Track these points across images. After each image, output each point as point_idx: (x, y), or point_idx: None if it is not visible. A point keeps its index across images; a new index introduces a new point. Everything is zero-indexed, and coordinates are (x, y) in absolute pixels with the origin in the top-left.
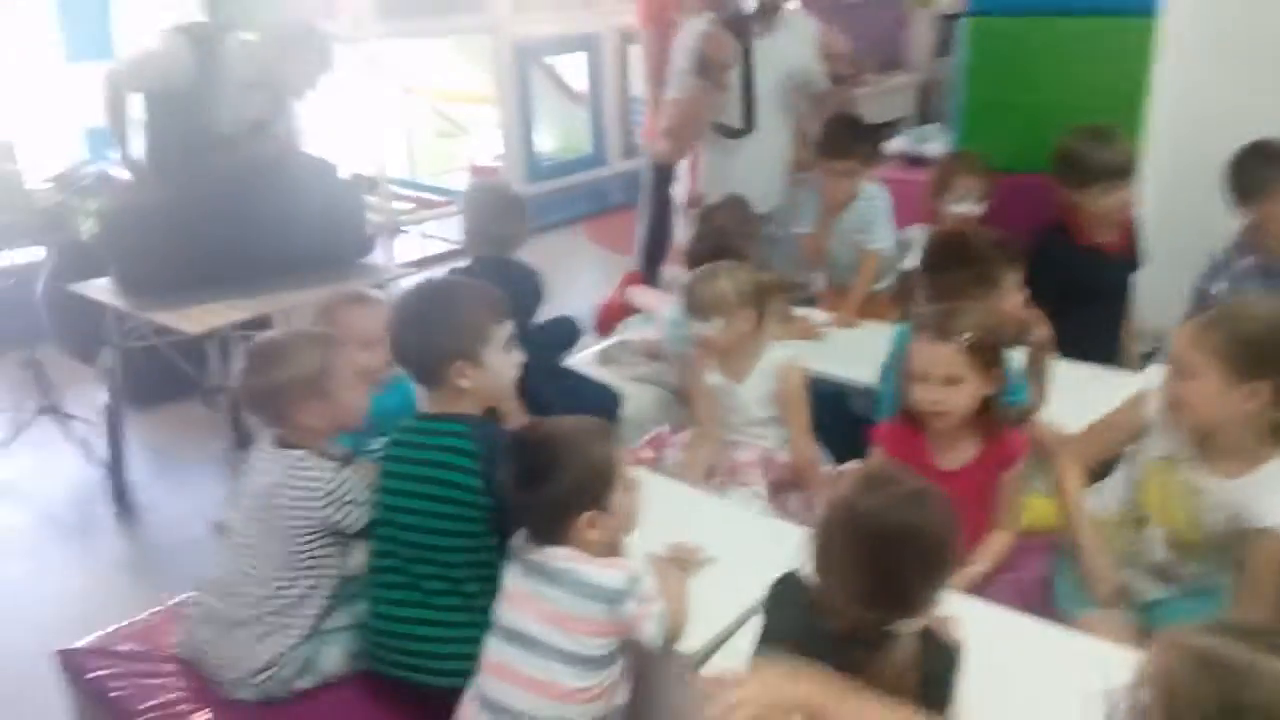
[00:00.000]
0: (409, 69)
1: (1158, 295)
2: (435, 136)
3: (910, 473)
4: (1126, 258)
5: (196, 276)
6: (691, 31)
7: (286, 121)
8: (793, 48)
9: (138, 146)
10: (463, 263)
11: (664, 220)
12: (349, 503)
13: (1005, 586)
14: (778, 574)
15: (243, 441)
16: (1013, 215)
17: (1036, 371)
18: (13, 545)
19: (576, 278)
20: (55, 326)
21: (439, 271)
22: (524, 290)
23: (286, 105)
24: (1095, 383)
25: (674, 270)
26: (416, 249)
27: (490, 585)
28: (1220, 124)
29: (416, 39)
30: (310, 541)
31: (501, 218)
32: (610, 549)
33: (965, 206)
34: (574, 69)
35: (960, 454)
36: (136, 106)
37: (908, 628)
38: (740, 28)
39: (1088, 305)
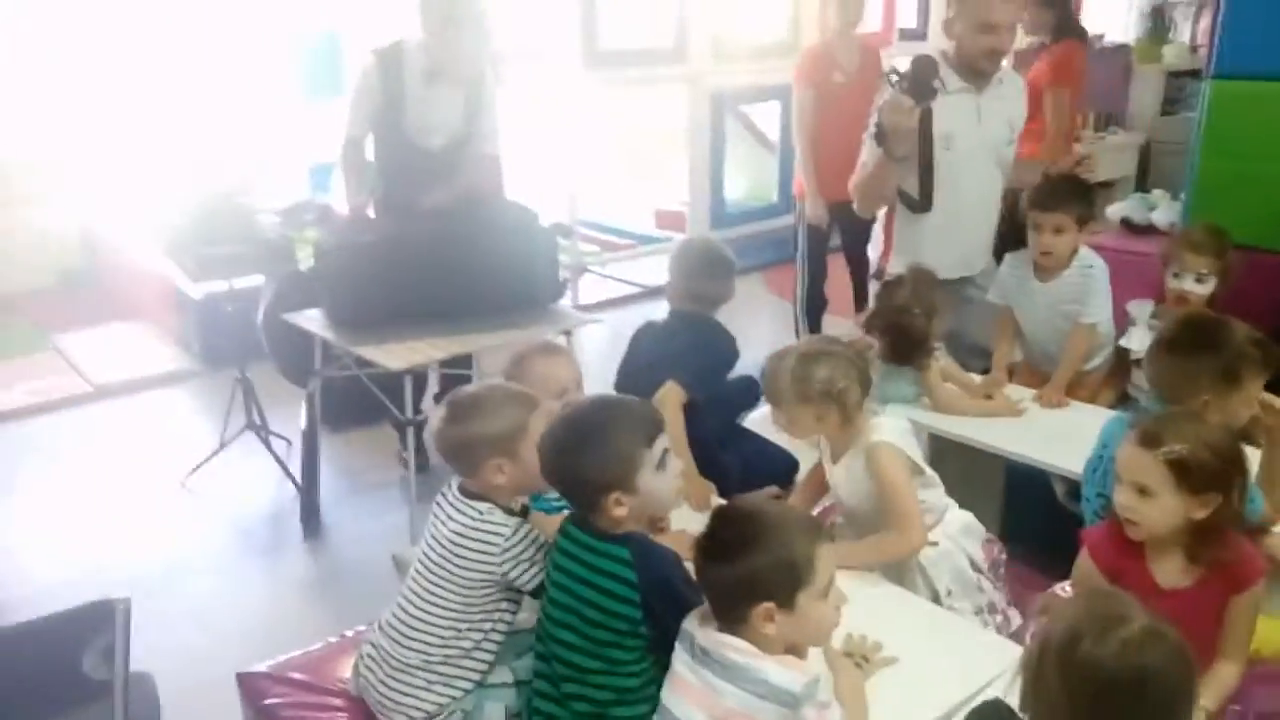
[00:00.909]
0: (602, 109)
1: None
2: (623, 178)
3: (1138, 607)
4: None
5: (401, 313)
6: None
7: (489, 138)
8: (1006, 105)
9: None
10: (659, 315)
11: (820, 274)
12: (525, 560)
13: None
14: (969, 682)
15: (422, 466)
16: (1245, 295)
17: (1272, 479)
18: (206, 559)
19: (753, 328)
20: (274, 351)
21: (622, 314)
22: (717, 352)
23: (483, 114)
24: None
25: (839, 324)
26: (601, 290)
27: (640, 710)
28: None
29: (620, 88)
30: (485, 595)
31: (707, 277)
32: (790, 649)
33: (1184, 284)
34: (768, 117)
35: (1185, 572)
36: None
37: None
38: (921, 96)
39: None
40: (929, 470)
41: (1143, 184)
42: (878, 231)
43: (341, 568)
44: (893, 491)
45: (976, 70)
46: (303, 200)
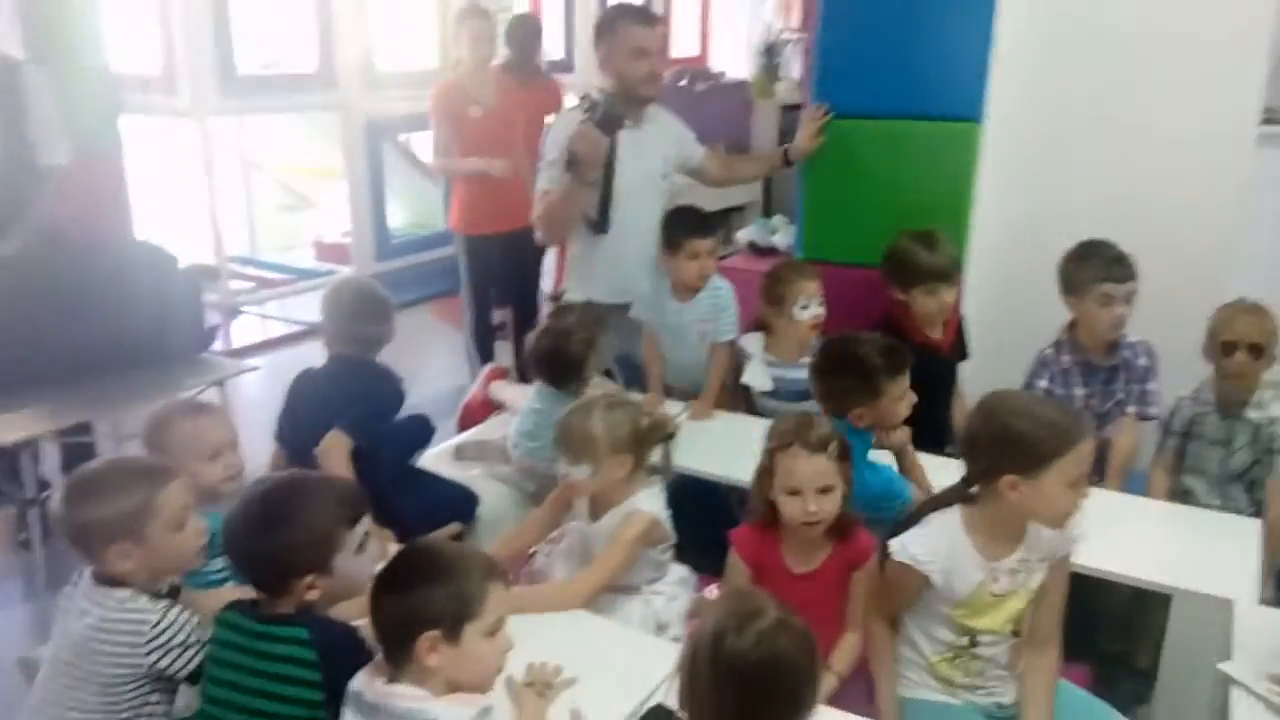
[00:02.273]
0: (250, 142)
1: (986, 390)
2: (278, 210)
3: (771, 601)
4: (952, 353)
5: (11, 377)
6: (564, 123)
7: (49, 146)
8: (659, 140)
9: None
10: (318, 362)
11: (485, 302)
12: (178, 646)
13: (859, 693)
14: (642, 690)
15: (54, 558)
16: (853, 307)
17: (912, 468)
18: None
19: (427, 361)
20: None
21: (283, 355)
22: (381, 395)
23: (28, 118)
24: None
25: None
26: (259, 331)
27: None
28: (1038, 223)
29: (261, 115)
30: (132, 690)
31: (364, 319)
32: (452, 686)
33: (811, 311)
34: (428, 146)
35: (813, 557)
36: None
37: None
38: (610, 127)
39: (918, 399)
40: (674, 535)
41: (768, 209)
42: (548, 263)
43: None
44: (615, 554)
45: (638, 98)
46: None
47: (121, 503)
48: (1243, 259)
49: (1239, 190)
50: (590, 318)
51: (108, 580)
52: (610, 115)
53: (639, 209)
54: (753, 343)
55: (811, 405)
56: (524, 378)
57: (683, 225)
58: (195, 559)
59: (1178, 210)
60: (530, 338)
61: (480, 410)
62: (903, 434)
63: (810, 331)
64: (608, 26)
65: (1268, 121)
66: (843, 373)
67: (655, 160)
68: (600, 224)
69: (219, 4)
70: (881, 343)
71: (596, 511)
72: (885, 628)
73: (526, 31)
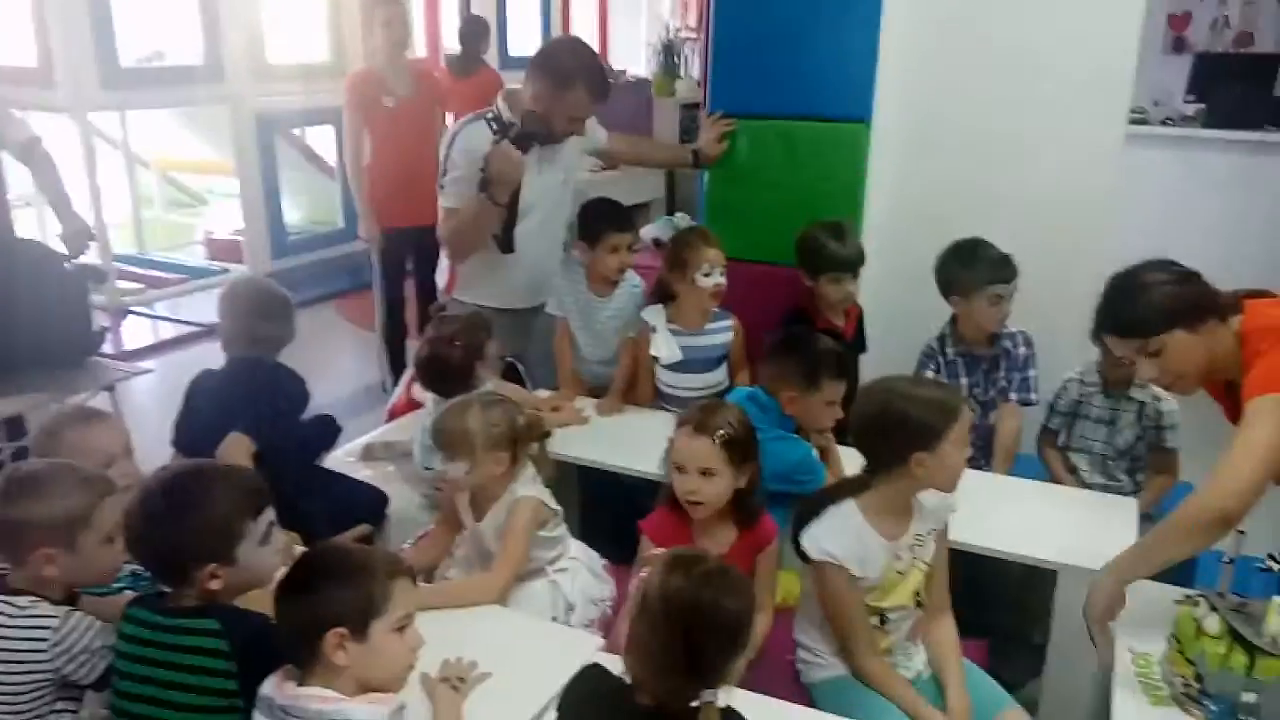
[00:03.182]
0: (135, 137)
1: None
2: (167, 208)
3: (711, 553)
4: (854, 343)
5: None
6: (472, 138)
7: None
8: (562, 156)
9: None
10: (213, 363)
11: (398, 302)
12: (82, 652)
13: (764, 671)
14: (557, 678)
15: None
16: (755, 302)
17: (834, 464)
18: None
19: (331, 360)
20: None
21: (175, 358)
22: (283, 396)
23: None
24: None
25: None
26: (149, 333)
27: None
28: (923, 220)
29: (145, 110)
30: (35, 698)
31: (262, 318)
32: (363, 686)
33: (714, 279)
34: (324, 140)
35: (721, 540)
36: None
37: (711, 700)
38: (526, 146)
39: None
40: (559, 509)
41: (671, 207)
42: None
43: None
44: (515, 544)
45: (551, 137)
46: None
47: (64, 506)
48: (1114, 249)
49: (1109, 187)
50: (475, 329)
51: (8, 588)
52: (527, 136)
53: (542, 220)
54: (656, 315)
55: (718, 375)
56: None
57: (602, 219)
58: (112, 576)
59: (1054, 204)
60: (418, 346)
61: (405, 411)
62: (825, 438)
63: (712, 300)
64: (567, 80)
65: (1135, 121)
66: (791, 354)
67: (556, 174)
68: (505, 243)
69: None
70: (837, 349)
71: (479, 509)
72: (875, 657)
73: (476, 30)
